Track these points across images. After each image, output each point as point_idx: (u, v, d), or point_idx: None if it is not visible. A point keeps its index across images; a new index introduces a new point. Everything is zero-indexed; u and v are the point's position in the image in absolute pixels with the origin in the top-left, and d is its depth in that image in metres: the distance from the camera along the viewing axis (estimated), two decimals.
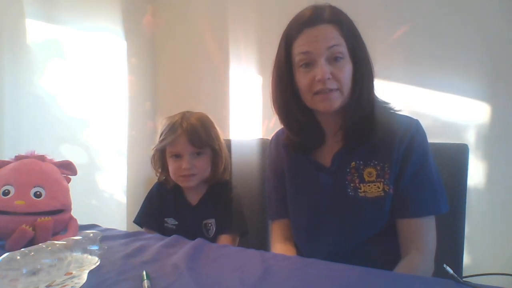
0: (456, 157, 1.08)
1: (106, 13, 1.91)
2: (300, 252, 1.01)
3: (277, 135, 1.09)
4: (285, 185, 1.04)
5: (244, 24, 1.93)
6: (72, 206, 0.99)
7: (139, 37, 2.12)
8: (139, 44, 2.11)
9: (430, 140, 0.93)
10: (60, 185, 0.96)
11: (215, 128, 1.20)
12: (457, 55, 1.49)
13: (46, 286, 0.62)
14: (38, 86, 1.55)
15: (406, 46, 1.57)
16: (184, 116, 1.17)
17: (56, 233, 0.91)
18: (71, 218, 0.98)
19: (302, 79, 0.88)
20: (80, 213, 1.01)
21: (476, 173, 1.44)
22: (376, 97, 0.92)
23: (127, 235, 0.98)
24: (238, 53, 1.94)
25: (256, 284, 0.65)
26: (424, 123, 0.92)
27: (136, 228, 1.23)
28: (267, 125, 1.83)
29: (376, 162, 0.90)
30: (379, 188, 0.89)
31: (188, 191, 1.22)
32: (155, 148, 1.18)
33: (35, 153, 0.99)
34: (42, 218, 0.87)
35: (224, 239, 1.15)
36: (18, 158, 0.96)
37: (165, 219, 1.21)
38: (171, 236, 0.94)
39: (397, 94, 1.56)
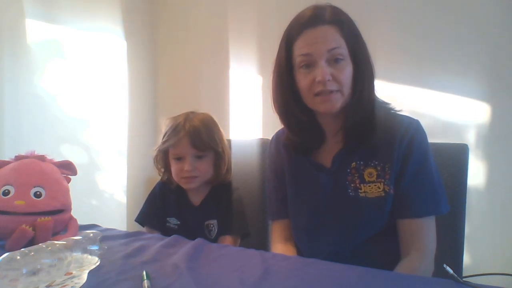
0: (456, 157, 1.08)
1: (106, 13, 1.91)
2: (300, 252, 1.01)
3: (277, 135, 1.09)
4: (285, 185, 1.04)
5: (244, 24, 1.93)
6: (72, 206, 0.99)
7: (139, 37, 2.12)
8: (139, 44, 2.11)
9: (431, 140, 0.93)
10: (60, 185, 0.96)
11: (219, 129, 1.20)
12: (457, 55, 1.49)
13: (46, 286, 0.62)
14: (38, 86, 1.55)
15: (407, 46, 1.57)
16: (188, 117, 1.16)
17: (56, 233, 0.91)
18: (71, 218, 0.98)
19: (302, 80, 0.88)
20: (80, 213, 1.01)
21: (476, 173, 1.44)
22: (376, 97, 0.92)
23: (127, 235, 0.98)
24: (238, 53, 1.94)
25: (256, 284, 0.65)
26: (424, 123, 0.92)
27: (136, 228, 1.23)
28: (267, 125, 1.83)
29: (376, 163, 0.90)
30: (379, 188, 0.89)
31: (191, 192, 1.22)
32: (157, 149, 1.18)
33: (35, 153, 0.99)
34: (42, 218, 0.87)
35: (226, 240, 1.15)
36: (18, 158, 0.96)
37: (167, 218, 1.21)
38: (171, 236, 0.94)
39: (398, 94, 1.56)
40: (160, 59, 2.21)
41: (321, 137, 0.97)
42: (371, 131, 0.89)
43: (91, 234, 0.79)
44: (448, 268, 0.64)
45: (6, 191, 0.88)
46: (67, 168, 1.01)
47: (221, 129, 1.21)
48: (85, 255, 0.73)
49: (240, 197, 1.23)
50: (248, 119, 1.91)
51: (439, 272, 0.68)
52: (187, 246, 0.86)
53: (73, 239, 0.75)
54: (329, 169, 0.94)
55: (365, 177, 0.90)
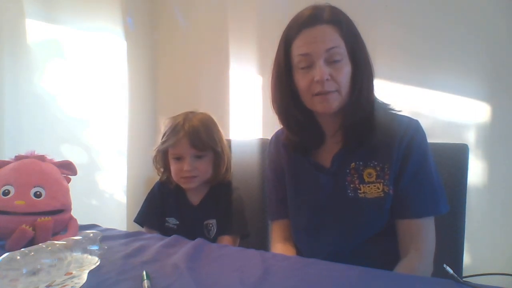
0: (456, 157, 1.08)
1: (106, 13, 1.91)
2: (300, 252, 1.01)
3: (277, 135, 1.09)
4: (285, 185, 1.04)
5: (244, 24, 1.93)
6: (72, 206, 0.99)
7: (139, 37, 2.12)
8: (139, 44, 2.11)
9: (430, 140, 0.92)
10: (60, 185, 0.96)
11: (218, 129, 1.20)
12: (457, 55, 1.49)
13: (46, 286, 0.62)
14: (38, 86, 1.55)
15: (407, 46, 1.56)
16: (187, 117, 1.16)
17: (56, 233, 0.91)
18: (71, 218, 0.98)
19: (301, 80, 0.88)
20: (80, 213, 1.01)
21: (476, 173, 1.44)
22: (376, 98, 0.92)
23: (127, 235, 0.98)
24: (238, 53, 1.94)
25: (256, 284, 0.65)
26: (424, 123, 0.92)
27: (136, 228, 1.23)
28: (267, 125, 1.83)
29: (376, 163, 0.89)
30: (378, 189, 0.89)
31: (190, 191, 1.22)
32: (157, 149, 1.18)
33: (35, 153, 0.99)
34: (42, 218, 0.87)
35: (225, 240, 1.15)
36: (18, 158, 0.96)
37: (166, 218, 1.21)
38: (171, 236, 0.94)
39: (398, 94, 1.56)
40: (160, 59, 2.21)
41: (321, 137, 0.97)
42: (370, 132, 0.89)
43: (91, 234, 0.79)
44: (448, 268, 0.64)
45: (6, 191, 0.88)
46: (67, 168, 1.01)
47: (220, 129, 1.21)
48: (85, 255, 0.73)
49: (240, 197, 1.23)
50: (248, 119, 1.91)
51: (439, 272, 0.68)
52: (187, 246, 0.86)
53: (73, 239, 0.75)
54: (329, 169, 0.94)
55: (365, 177, 0.90)
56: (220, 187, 1.22)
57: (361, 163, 0.91)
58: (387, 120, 0.90)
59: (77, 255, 0.71)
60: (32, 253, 0.64)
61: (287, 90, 0.91)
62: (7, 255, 0.62)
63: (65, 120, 1.66)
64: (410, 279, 0.70)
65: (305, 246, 1.00)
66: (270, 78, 0.96)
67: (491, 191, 1.44)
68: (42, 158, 0.98)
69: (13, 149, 1.13)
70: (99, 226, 1.07)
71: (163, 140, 1.15)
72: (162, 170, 1.23)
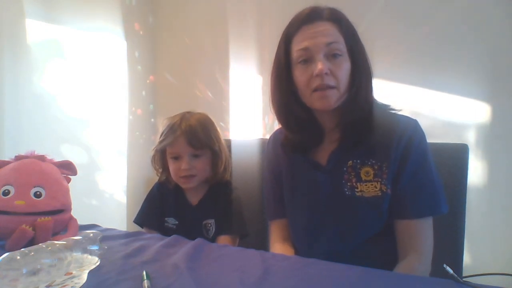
0: (456, 157, 1.08)
1: (106, 13, 1.91)
2: (298, 252, 1.01)
3: (275, 134, 1.09)
4: (282, 185, 1.03)
5: (244, 24, 1.93)
6: (72, 206, 0.99)
7: (139, 37, 2.12)
8: (139, 44, 2.11)
9: (430, 140, 0.92)
10: (60, 185, 0.96)
11: (215, 129, 1.20)
12: (457, 55, 1.49)
13: (46, 286, 0.62)
14: (38, 86, 1.55)
15: (406, 46, 1.56)
16: (184, 117, 1.17)
17: (56, 233, 0.91)
18: (71, 218, 0.98)
19: (300, 75, 0.88)
20: (80, 213, 1.01)
21: (476, 173, 1.44)
22: (375, 99, 0.92)
23: (127, 235, 0.98)
24: (238, 53, 1.94)
25: (256, 284, 0.65)
26: (424, 123, 0.92)
27: (136, 228, 1.23)
28: (267, 125, 1.83)
29: (373, 162, 0.89)
30: (376, 188, 0.88)
31: (189, 191, 1.22)
32: (155, 149, 1.19)
33: (35, 153, 0.99)
34: (42, 218, 0.87)
35: (223, 240, 1.15)
36: (18, 158, 0.96)
37: (166, 218, 1.21)
38: (171, 236, 0.95)
39: (397, 94, 1.56)
40: (160, 59, 2.21)
41: (320, 135, 0.96)
42: (368, 132, 0.89)
43: (91, 234, 0.79)
44: (448, 268, 0.64)
45: (6, 191, 0.88)
46: (67, 168, 1.02)
47: (218, 129, 1.22)
48: (85, 255, 0.73)
49: (239, 197, 1.23)
50: (248, 119, 1.91)
51: (439, 272, 0.68)
52: (187, 246, 0.86)
53: (73, 239, 0.75)
54: (325, 167, 0.94)
55: (362, 176, 0.90)
56: (219, 186, 1.22)
57: (358, 161, 0.90)
58: (385, 119, 0.90)
59: (77, 255, 0.71)
60: (32, 253, 0.64)
61: (287, 87, 0.91)
62: (7, 255, 0.62)
63: (65, 120, 1.66)
64: (410, 279, 0.70)
65: (303, 245, 1.00)
66: (269, 77, 0.96)
67: (491, 191, 1.44)
68: (42, 158, 0.98)
69: (13, 149, 1.13)
70: (99, 226, 1.07)
71: (160, 139, 1.16)
72: (160, 170, 1.23)
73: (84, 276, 0.66)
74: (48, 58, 1.60)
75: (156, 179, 1.28)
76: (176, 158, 1.15)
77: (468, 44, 1.47)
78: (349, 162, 0.91)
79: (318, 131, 0.96)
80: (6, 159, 0.97)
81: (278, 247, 1.02)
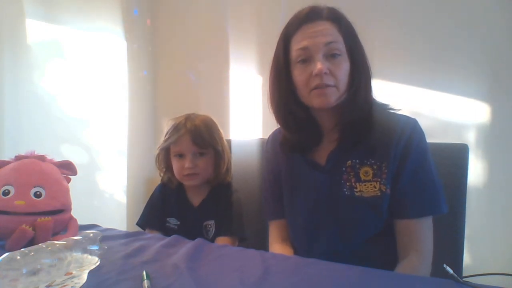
0: (456, 157, 1.08)
1: (106, 13, 1.91)
2: (297, 252, 1.01)
3: (274, 134, 1.09)
4: (281, 185, 1.03)
5: (244, 24, 1.93)
6: (72, 206, 0.99)
7: (139, 37, 2.12)
8: (139, 44, 2.10)
9: (430, 140, 0.92)
10: (60, 185, 0.96)
11: (218, 130, 1.23)
12: (457, 55, 1.49)
13: (46, 286, 0.62)
14: (38, 86, 1.55)
15: (406, 46, 1.56)
16: (189, 117, 1.19)
17: (56, 233, 0.91)
18: (71, 218, 0.98)
19: (299, 75, 0.88)
20: (80, 213, 1.01)
21: (476, 173, 1.44)
22: (374, 99, 0.92)
23: (127, 235, 0.98)
24: (238, 53, 1.94)
25: (256, 284, 0.65)
26: (424, 123, 0.92)
27: (136, 228, 1.23)
28: (267, 125, 1.83)
29: (372, 161, 0.89)
30: (375, 187, 0.88)
31: (191, 192, 1.23)
32: (159, 148, 1.21)
33: (35, 153, 0.99)
34: (42, 218, 0.87)
35: (222, 241, 1.16)
36: (18, 158, 0.96)
37: (167, 219, 1.22)
38: (171, 236, 0.95)
39: (397, 94, 1.56)
40: (160, 59, 2.21)
41: (318, 135, 0.96)
42: (367, 131, 0.88)
43: (91, 234, 0.79)
44: (448, 268, 0.64)
45: (6, 191, 0.88)
46: (67, 168, 1.02)
47: (221, 130, 1.24)
48: (85, 255, 0.73)
49: (239, 200, 1.23)
50: (248, 119, 1.91)
51: (439, 272, 0.68)
52: (187, 246, 0.86)
53: (73, 239, 0.75)
54: (324, 167, 0.94)
55: (361, 175, 0.89)
56: (220, 188, 1.23)
57: (357, 161, 0.90)
58: (384, 119, 0.90)
59: (77, 255, 0.71)
60: (32, 253, 0.64)
61: (286, 87, 0.91)
62: (7, 255, 0.62)
63: (65, 120, 1.66)
64: (410, 279, 0.70)
65: (303, 246, 1.00)
66: (268, 76, 0.96)
67: (491, 191, 1.44)
68: (42, 158, 0.98)
69: (13, 149, 1.13)
70: (99, 226, 1.07)
71: (165, 138, 1.18)
72: (163, 170, 1.25)
73: (84, 276, 0.65)
74: (48, 58, 1.60)
75: (156, 178, 1.28)
76: (180, 156, 1.17)
77: (468, 44, 1.47)
78: (348, 162, 0.91)
79: (317, 131, 0.96)
80: (6, 159, 0.97)
81: (277, 247, 1.02)
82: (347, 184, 0.90)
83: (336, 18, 0.87)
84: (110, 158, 1.92)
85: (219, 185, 1.23)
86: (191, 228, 1.19)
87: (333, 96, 0.86)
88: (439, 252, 0.88)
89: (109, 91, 1.91)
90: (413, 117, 0.93)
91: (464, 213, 1.06)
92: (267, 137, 1.14)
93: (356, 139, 0.90)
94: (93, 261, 0.72)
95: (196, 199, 1.23)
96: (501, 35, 1.42)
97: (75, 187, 1.03)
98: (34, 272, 0.61)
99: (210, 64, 2.03)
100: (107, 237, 0.92)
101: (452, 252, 1.06)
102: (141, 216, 1.26)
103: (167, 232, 1.20)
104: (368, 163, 0.89)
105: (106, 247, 0.80)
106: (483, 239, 1.42)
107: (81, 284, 0.63)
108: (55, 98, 1.62)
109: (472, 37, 1.46)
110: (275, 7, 1.81)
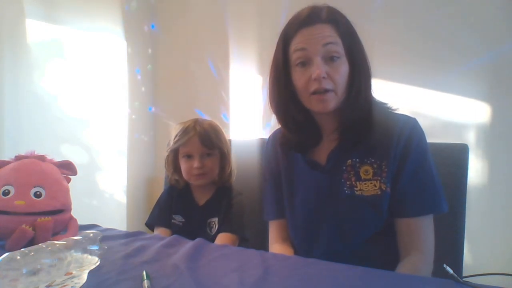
0: (456, 157, 1.08)
1: (106, 13, 1.91)
2: (297, 252, 1.01)
3: (274, 134, 1.09)
4: (281, 184, 1.04)
5: (244, 24, 1.93)
6: (72, 206, 0.99)
7: (139, 37, 2.12)
8: (139, 44, 2.11)
9: (430, 140, 0.92)
10: (60, 185, 0.96)
11: (224, 134, 1.31)
12: (457, 55, 1.49)
13: (46, 286, 0.61)
14: (38, 86, 1.55)
15: (407, 46, 1.57)
16: (197, 121, 1.27)
17: (56, 233, 0.91)
18: (71, 218, 0.98)
19: (298, 79, 0.88)
20: (80, 213, 1.01)
21: (476, 173, 1.44)
22: (373, 98, 0.92)
23: (127, 235, 0.98)
24: (238, 53, 1.94)
25: (256, 284, 0.65)
26: (424, 123, 0.92)
27: (136, 228, 1.23)
28: (267, 125, 1.83)
29: (373, 160, 0.89)
30: (375, 186, 0.88)
31: (196, 192, 1.29)
32: (169, 150, 1.27)
33: (35, 153, 0.99)
34: (42, 218, 0.87)
35: (223, 236, 1.19)
36: (18, 158, 0.96)
37: (173, 216, 1.28)
38: (171, 236, 0.95)
39: (397, 94, 1.56)
40: (160, 59, 2.21)
41: (318, 136, 0.97)
42: (368, 131, 0.89)
43: (91, 234, 0.79)
44: (448, 268, 0.64)
45: (6, 191, 0.88)
46: (67, 168, 1.02)
47: (226, 136, 1.31)
48: (85, 255, 0.73)
49: (242, 203, 1.28)
50: (248, 119, 1.91)
51: (439, 272, 0.68)
52: (187, 246, 0.86)
53: (73, 239, 0.75)
54: (324, 166, 0.94)
55: (361, 174, 0.90)
56: (224, 190, 1.29)
57: (357, 160, 0.90)
58: (384, 118, 0.90)
59: (77, 255, 0.71)
60: (32, 253, 0.64)
61: (285, 88, 0.92)
62: (7, 255, 0.62)
63: (65, 120, 1.66)
64: (410, 279, 0.70)
65: (303, 245, 1.00)
66: (268, 77, 0.96)
67: (491, 191, 1.44)
68: (42, 158, 0.98)
69: (13, 149, 1.13)
70: (99, 226, 1.07)
71: (175, 140, 1.24)
72: (172, 171, 1.30)
73: (84, 276, 0.65)
74: (48, 58, 1.61)
75: (156, 178, 1.30)
76: (189, 157, 1.23)
77: (468, 44, 1.47)
78: (348, 161, 0.91)
79: (316, 132, 0.96)
80: (6, 159, 0.97)
81: (277, 247, 1.02)
82: (347, 183, 0.90)
83: (335, 20, 0.87)
84: (110, 158, 1.92)
85: (224, 187, 1.29)
86: (195, 225, 1.24)
87: (332, 102, 0.87)
88: (439, 252, 0.88)
89: (109, 91, 1.91)
90: (413, 116, 0.93)
91: (464, 213, 1.06)
92: (267, 137, 1.14)
93: (356, 139, 0.90)
94: (93, 261, 0.72)
95: (201, 199, 1.28)
96: (501, 35, 1.42)
97: (75, 187, 1.03)
98: (34, 272, 0.61)
99: (210, 64, 2.03)
100: (107, 237, 0.92)
101: (452, 252, 1.06)
102: (150, 216, 1.32)
103: (172, 228, 1.26)
104: (368, 162, 0.89)
105: (106, 247, 0.80)
106: (483, 239, 1.42)
107: (81, 284, 0.63)
108: (55, 98, 1.62)
109: (472, 37, 1.46)
110: (275, 7, 1.81)
